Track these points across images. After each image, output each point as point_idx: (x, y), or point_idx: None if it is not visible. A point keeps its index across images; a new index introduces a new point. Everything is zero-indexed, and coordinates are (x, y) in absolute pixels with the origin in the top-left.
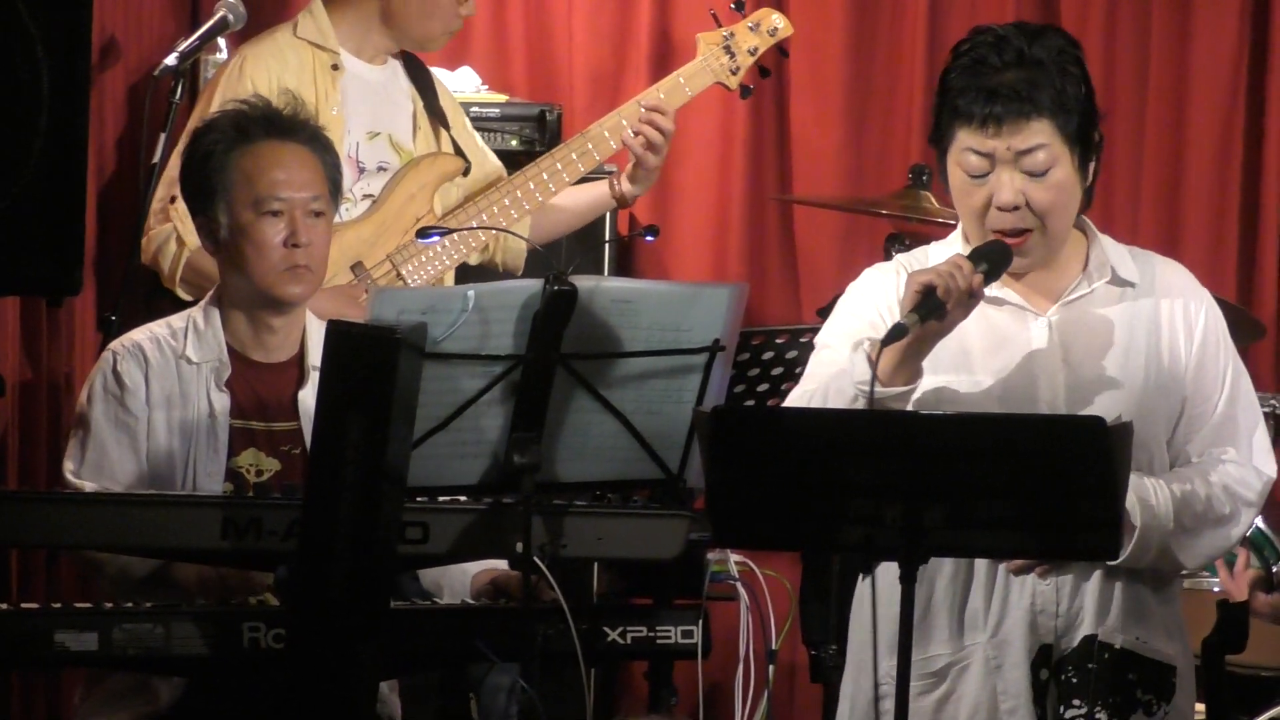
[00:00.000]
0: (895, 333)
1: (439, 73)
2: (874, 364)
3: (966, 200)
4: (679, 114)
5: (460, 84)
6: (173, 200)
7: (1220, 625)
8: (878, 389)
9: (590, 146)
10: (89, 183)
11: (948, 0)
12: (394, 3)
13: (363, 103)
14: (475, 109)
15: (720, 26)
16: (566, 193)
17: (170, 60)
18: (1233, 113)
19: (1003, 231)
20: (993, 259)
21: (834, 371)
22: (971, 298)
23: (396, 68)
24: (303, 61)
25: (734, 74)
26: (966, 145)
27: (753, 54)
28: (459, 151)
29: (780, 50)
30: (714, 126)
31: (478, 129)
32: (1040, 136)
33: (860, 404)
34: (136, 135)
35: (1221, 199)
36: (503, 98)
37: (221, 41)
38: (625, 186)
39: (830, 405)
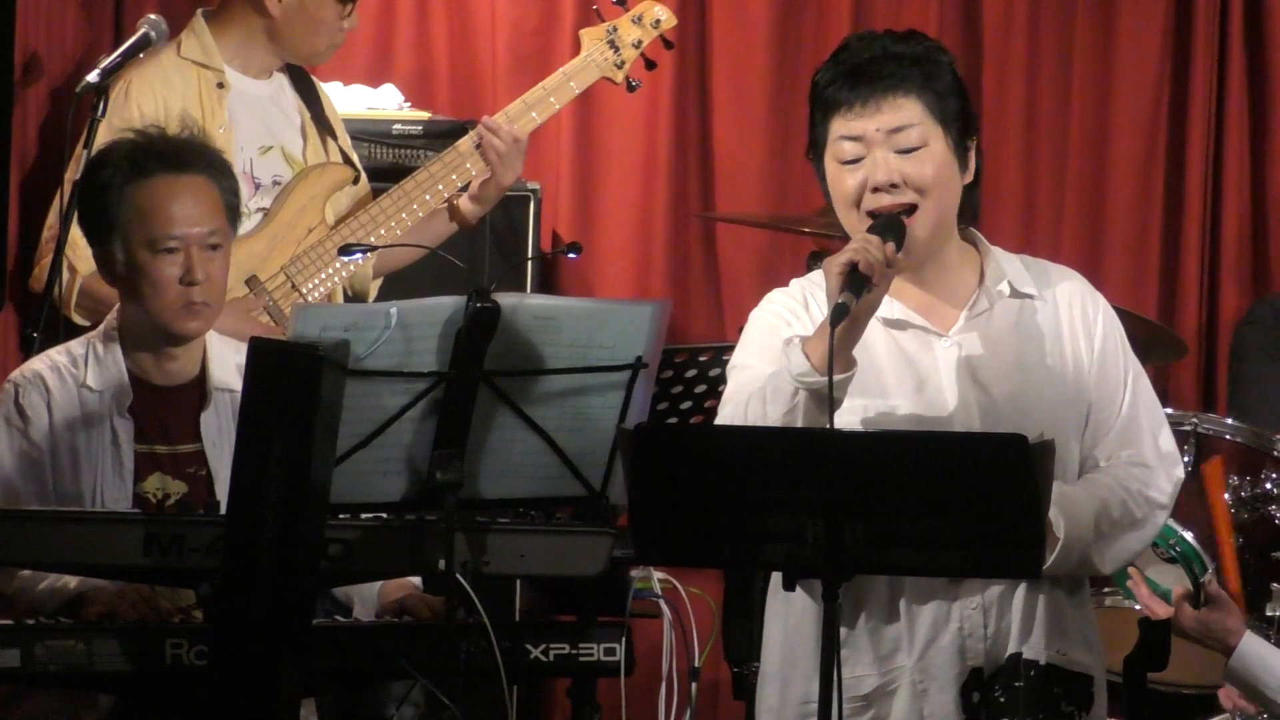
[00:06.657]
0: (839, 312)
1: (357, 89)
2: (830, 345)
3: (841, 187)
4: (606, 127)
5: (383, 101)
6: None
7: (1142, 643)
8: (817, 379)
9: (467, 165)
10: (10, 199)
11: (872, 18)
12: (279, 22)
13: (252, 118)
14: (398, 126)
15: (603, 21)
16: None
17: (92, 77)
18: (1155, 132)
19: (883, 209)
20: (891, 228)
21: (766, 375)
22: (889, 268)
23: (283, 81)
24: (188, 81)
25: (619, 68)
26: (838, 135)
27: (636, 47)
28: (348, 161)
29: (664, 42)
30: (636, 143)
31: (400, 146)
32: (909, 114)
33: (801, 399)
34: (59, 152)
35: (1144, 218)
36: (425, 115)
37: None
38: (465, 205)
39: (769, 407)
